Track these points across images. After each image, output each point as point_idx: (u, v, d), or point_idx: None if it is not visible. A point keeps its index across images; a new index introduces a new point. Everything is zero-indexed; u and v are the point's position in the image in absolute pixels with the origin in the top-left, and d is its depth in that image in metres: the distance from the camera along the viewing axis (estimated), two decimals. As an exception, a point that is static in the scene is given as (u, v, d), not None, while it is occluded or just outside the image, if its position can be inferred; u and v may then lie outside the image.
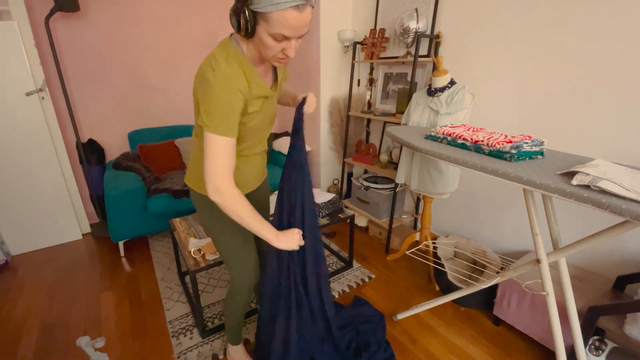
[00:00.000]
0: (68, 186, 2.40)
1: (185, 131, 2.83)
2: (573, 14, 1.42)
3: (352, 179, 2.55)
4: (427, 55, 2.02)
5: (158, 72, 2.72)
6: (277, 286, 1.19)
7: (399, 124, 2.06)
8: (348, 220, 2.00)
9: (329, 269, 2.10)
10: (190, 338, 1.56)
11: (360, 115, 2.38)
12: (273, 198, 1.90)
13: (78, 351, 1.49)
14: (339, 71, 2.64)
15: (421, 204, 2.37)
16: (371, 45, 2.26)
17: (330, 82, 2.62)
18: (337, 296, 1.85)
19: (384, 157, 2.35)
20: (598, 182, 0.82)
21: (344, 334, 1.50)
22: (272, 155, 2.97)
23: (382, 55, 2.30)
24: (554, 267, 1.35)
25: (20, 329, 1.63)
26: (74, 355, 1.48)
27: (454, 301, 1.78)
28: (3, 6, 1.98)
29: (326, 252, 2.30)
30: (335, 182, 2.94)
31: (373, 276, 2.03)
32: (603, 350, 1.26)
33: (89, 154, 2.42)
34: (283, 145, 2.86)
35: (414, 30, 1.92)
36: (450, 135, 1.28)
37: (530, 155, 1.10)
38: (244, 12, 0.76)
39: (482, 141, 1.15)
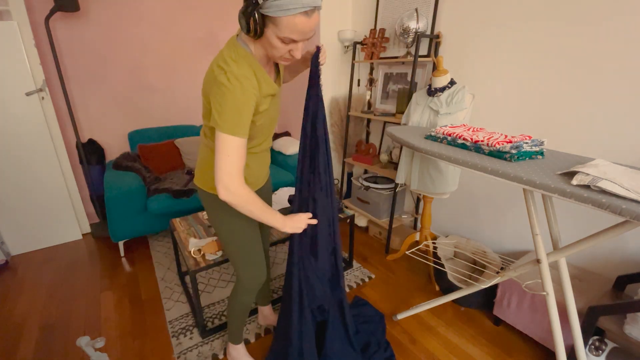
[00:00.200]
0: (68, 186, 2.39)
1: (185, 131, 2.83)
2: (573, 14, 1.42)
3: (352, 179, 2.55)
4: (427, 55, 2.02)
5: (158, 72, 2.71)
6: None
7: (399, 124, 2.06)
8: (348, 220, 2.00)
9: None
10: (190, 338, 1.56)
11: (360, 115, 2.38)
12: (274, 197, 1.90)
13: (78, 351, 1.49)
14: (339, 71, 2.64)
15: (421, 204, 2.37)
16: (371, 45, 2.26)
17: (330, 82, 2.62)
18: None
19: (384, 157, 2.35)
20: (598, 182, 0.82)
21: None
22: (272, 155, 2.97)
23: (382, 55, 2.29)
24: (554, 267, 1.35)
25: (20, 329, 1.63)
26: (74, 355, 1.48)
27: (454, 301, 1.78)
28: (3, 6, 1.98)
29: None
30: (335, 182, 2.94)
31: (373, 276, 2.03)
32: (603, 350, 1.26)
33: (89, 154, 2.42)
34: (283, 145, 2.86)
35: (414, 30, 1.92)
36: (450, 135, 1.28)
37: (530, 155, 1.10)
38: (254, 15, 0.77)
39: (482, 141, 1.15)
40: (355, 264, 2.16)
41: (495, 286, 1.56)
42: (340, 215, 1.97)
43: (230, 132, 0.85)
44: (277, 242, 1.69)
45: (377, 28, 2.32)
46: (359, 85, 2.64)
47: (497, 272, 1.60)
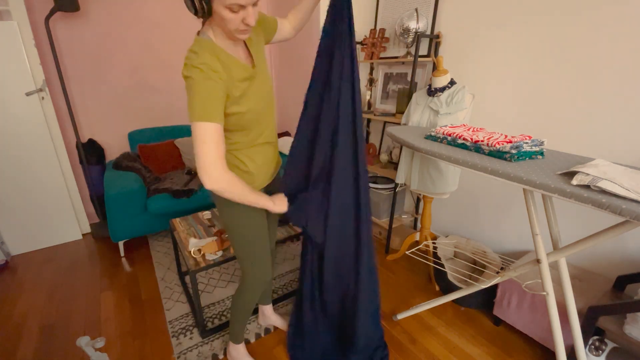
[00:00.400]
0: (68, 186, 2.39)
1: (185, 131, 2.83)
2: (573, 14, 1.42)
3: (352, 179, 2.55)
4: (427, 55, 2.02)
5: (158, 72, 2.71)
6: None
7: (399, 124, 2.06)
8: (348, 220, 2.00)
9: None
10: (190, 338, 1.56)
11: (360, 115, 2.38)
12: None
13: (78, 351, 1.49)
14: (339, 71, 2.63)
15: (421, 204, 2.37)
16: (371, 45, 2.26)
17: (330, 82, 2.61)
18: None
19: (384, 157, 2.35)
20: (598, 182, 0.82)
21: None
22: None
23: (382, 55, 2.29)
24: (554, 267, 1.35)
25: (20, 329, 1.63)
26: (74, 355, 1.48)
27: (454, 301, 1.78)
28: (3, 6, 1.98)
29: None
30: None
31: (373, 276, 2.03)
32: (603, 350, 1.26)
33: (89, 154, 2.42)
34: (283, 145, 2.85)
35: (414, 30, 1.92)
36: (450, 135, 1.28)
37: (530, 155, 1.10)
38: None
39: (482, 141, 1.15)
40: (355, 264, 2.16)
41: (495, 286, 1.56)
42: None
43: (200, 118, 0.84)
44: (285, 240, 1.72)
45: (377, 28, 2.32)
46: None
47: (497, 272, 1.60)
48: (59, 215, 2.38)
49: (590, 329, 1.23)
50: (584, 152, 1.49)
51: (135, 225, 2.17)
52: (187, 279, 1.98)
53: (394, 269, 2.11)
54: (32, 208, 2.28)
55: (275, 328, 1.63)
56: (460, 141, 1.23)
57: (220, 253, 1.53)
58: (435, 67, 1.76)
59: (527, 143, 1.10)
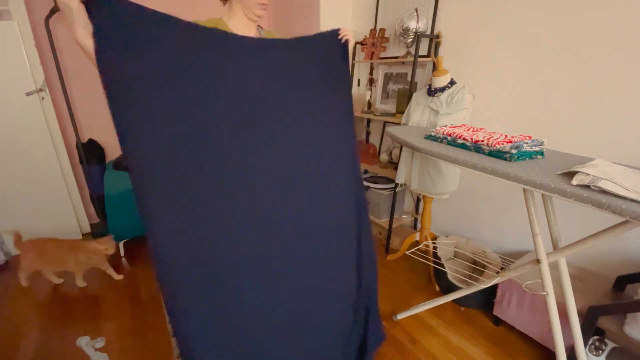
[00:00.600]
0: (68, 186, 2.39)
1: (185, 131, 2.83)
2: (573, 14, 1.42)
3: (352, 179, 2.55)
4: (427, 55, 2.02)
5: (158, 72, 2.71)
6: None
7: (399, 124, 2.06)
8: (348, 220, 2.00)
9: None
10: (190, 338, 1.56)
11: (360, 115, 2.38)
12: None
13: (78, 351, 1.49)
14: (339, 71, 2.64)
15: (421, 204, 2.37)
16: (371, 45, 2.26)
17: (330, 82, 2.62)
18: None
19: (384, 157, 2.35)
20: (598, 182, 0.82)
21: None
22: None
23: (382, 55, 2.29)
24: (554, 267, 1.35)
25: (20, 329, 1.63)
26: (74, 355, 1.48)
27: (454, 301, 1.78)
28: (3, 6, 1.98)
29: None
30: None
31: (373, 276, 2.03)
32: (603, 350, 1.26)
33: (89, 154, 2.42)
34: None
35: (414, 30, 1.92)
36: (450, 135, 1.28)
37: (530, 155, 1.10)
38: None
39: (482, 141, 1.15)
40: (355, 264, 2.16)
41: (495, 286, 1.56)
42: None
43: None
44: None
45: (377, 28, 2.32)
46: (359, 85, 2.64)
47: (497, 272, 1.60)
48: (59, 215, 2.38)
49: (590, 329, 1.23)
50: (584, 152, 1.49)
51: (135, 225, 2.17)
52: (187, 279, 1.98)
53: (394, 269, 2.11)
54: (32, 208, 2.28)
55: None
56: (460, 141, 1.23)
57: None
58: (435, 67, 1.76)
59: (527, 143, 1.10)
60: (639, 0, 1.24)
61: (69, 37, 2.31)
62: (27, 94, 2.10)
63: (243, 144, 0.84)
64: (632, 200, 0.77)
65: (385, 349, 1.49)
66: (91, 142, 2.48)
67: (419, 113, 1.78)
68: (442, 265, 1.79)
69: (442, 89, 1.70)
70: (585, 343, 1.24)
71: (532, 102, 1.63)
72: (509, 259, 1.68)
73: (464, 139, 1.22)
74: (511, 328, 1.61)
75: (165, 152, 0.76)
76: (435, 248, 1.94)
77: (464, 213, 2.10)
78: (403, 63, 2.24)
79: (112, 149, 2.67)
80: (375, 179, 2.43)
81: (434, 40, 1.97)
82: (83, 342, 1.51)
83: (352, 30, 2.39)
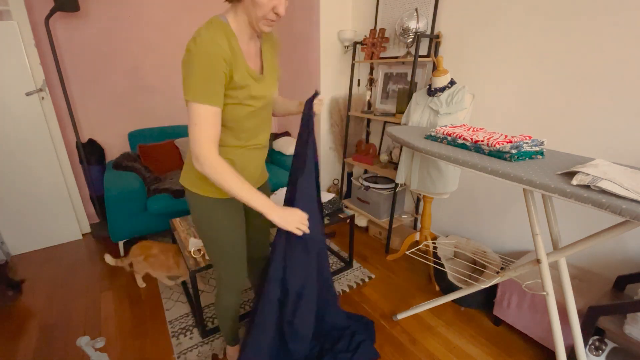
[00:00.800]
0: (68, 186, 2.39)
1: (185, 131, 2.83)
2: (573, 14, 1.42)
3: (352, 179, 2.55)
4: (427, 55, 2.02)
5: (158, 72, 2.71)
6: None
7: (399, 124, 2.06)
8: (348, 220, 2.00)
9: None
10: (190, 338, 1.56)
11: (360, 115, 2.38)
12: (274, 198, 1.89)
13: (78, 351, 1.49)
14: (339, 71, 2.64)
15: (421, 204, 2.37)
16: (371, 45, 2.26)
17: (330, 82, 2.62)
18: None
19: (384, 157, 2.35)
20: (598, 182, 0.82)
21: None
22: (272, 155, 2.97)
23: (382, 55, 2.29)
24: (554, 267, 1.35)
25: (20, 329, 1.63)
26: (74, 355, 1.48)
27: (454, 301, 1.78)
28: (3, 6, 1.98)
29: (326, 252, 2.29)
30: (335, 182, 2.94)
31: (373, 276, 2.03)
32: (603, 350, 1.26)
33: (89, 154, 2.42)
34: (283, 145, 2.86)
35: (414, 30, 1.92)
36: (450, 135, 1.28)
37: (530, 155, 1.10)
38: None
39: (482, 141, 1.15)
40: (355, 263, 2.16)
41: (495, 286, 1.56)
42: (340, 215, 1.97)
43: (199, 99, 0.82)
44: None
45: (377, 28, 2.32)
46: (359, 85, 2.64)
47: (497, 272, 1.60)
48: (59, 215, 2.38)
49: (590, 329, 1.23)
50: (584, 152, 1.49)
51: (135, 225, 2.17)
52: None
53: (394, 269, 2.11)
54: (32, 208, 2.28)
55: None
56: (460, 141, 1.23)
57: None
58: (435, 67, 1.76)
59: (527, 143, 1.10)
60: (638, 1, 1.24)
61: (69, 37, 2.31)
62: (27, 94, 2.10)
63: None
64: (632, 200, 0.77)
65: (385, 349, 1.50)
66: (91, 142, 2.48)
67: (419, 113, 1.78)
68: (442, 265, 1.79)
69: (442, 89, 1.70)
70: (585, 343, 1.24)
71: (532, 102, 1.63)
72: (509, 259, 1.68)
73: (464, 139, 1.22)
74: (511, 328, 1.61)
75: None
76: (435, 248, 1.94)
77: (464, 213, 2.10)
78: (403, 63, 2.24)
79: (112, 149, 2.67)
80: (375, 179, 2.43)
81: (434, 40, 1.97)
82: (83, 342, 1.51)
83: (352, 30, 2.39)
